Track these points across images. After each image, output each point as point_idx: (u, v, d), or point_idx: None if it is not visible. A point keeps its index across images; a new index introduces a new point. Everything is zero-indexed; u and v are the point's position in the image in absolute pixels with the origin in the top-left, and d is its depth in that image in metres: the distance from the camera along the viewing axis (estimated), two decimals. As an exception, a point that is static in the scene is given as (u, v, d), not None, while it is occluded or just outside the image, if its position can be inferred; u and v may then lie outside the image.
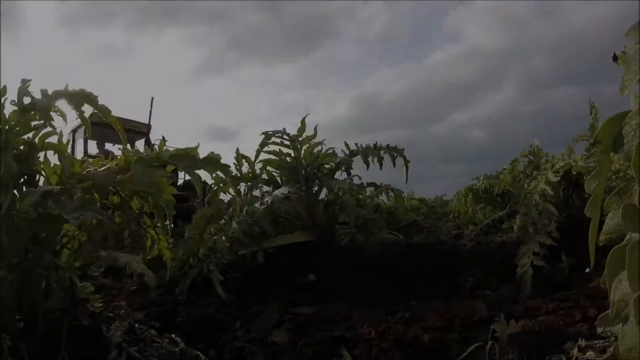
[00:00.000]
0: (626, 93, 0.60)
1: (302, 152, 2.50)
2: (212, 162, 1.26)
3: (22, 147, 1.12)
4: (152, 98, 7.24)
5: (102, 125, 7.05)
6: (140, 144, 7.94)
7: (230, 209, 2.24)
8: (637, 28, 0.61)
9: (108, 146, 7.62)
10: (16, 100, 1.07)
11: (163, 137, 7.78)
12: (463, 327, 1.39)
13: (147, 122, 8.07)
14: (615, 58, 0.67)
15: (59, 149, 1.19)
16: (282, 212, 2.06)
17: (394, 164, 2.70)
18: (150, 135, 8.12)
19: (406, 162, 2.67)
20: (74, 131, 7.48)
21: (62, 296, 1.01)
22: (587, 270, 1.66)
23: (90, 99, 1.16)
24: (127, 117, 7.82)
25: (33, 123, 1.11)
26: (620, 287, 0.58)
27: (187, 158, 1.22)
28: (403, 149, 2.67)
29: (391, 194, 2.74)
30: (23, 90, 1.07)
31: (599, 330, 1.13)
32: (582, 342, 1.07)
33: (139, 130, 7.94)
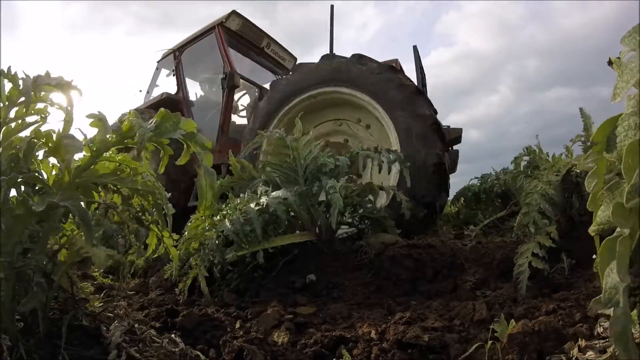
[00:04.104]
0: (618, 100, 0.65)
1: (301, 152, 2.50)
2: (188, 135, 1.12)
3: (19, 146, 1.11)
4: (332, 6, 5.11)
5: (245, 46, 5.58)
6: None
7: (228, 207, 2.24)
8: (632, 35, 0.63)
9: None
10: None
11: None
12: (463, 327, 1.39)
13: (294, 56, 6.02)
14: (610, 63, 0.71)
15: (57, 151, 1.17)
16: (281, 213, 2.06)
17: (390, 170, 2.71)
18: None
19: (405, 165, 2.68)
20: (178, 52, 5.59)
21: (41, 298, 1.00)
22: (594, 256, 1.67)
23: (70, 86, 1.11)
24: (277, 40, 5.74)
25: (28, 119, 1.10)
26: (612, 275, 0.65)
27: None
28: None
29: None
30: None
31: (599, 329, 1.14)
32: (582, 342, 1.07)
33: (281, 64, 5.92)
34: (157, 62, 6.04)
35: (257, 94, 5.60)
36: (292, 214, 2.21)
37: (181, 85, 5.42)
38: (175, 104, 5.24)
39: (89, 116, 1.10)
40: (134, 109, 5.34)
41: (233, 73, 4.87)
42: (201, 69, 5.76)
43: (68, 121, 1.12)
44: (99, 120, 1.11)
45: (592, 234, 0.75)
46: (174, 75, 5.55)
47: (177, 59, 5.57)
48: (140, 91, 6.09)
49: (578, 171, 2.03)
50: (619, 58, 0.66)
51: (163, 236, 1.41)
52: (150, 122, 1.15)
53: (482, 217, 3.99)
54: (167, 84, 5.87)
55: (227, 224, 2.03)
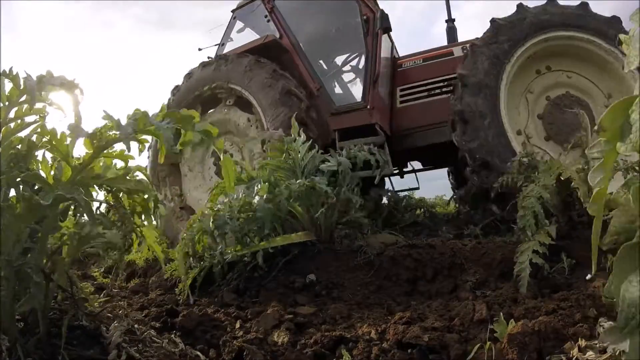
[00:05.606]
0: (632, 68, 0.57)
1: (300, 152, 2.50)
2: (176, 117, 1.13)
3: (19, 146, 1.11)
4: None
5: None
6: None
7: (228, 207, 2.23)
8: (638, 12, 0.60)
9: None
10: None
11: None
12: (463, 327, 1.39)
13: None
14: (619, 42, 0.66)
15: (56, 147, 1.17)
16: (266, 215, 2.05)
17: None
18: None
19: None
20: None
21: (41, 298, 1.00)
22: (588, 276, 1.65)
23: (74, 85, 1.12)
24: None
25: (27, 119, 1.10)
26: (630, 289, 0.48)
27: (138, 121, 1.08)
28: None
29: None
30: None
31: (599, 330, 1.13)
32: (582, 342, 1.07)
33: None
34: (233, 11, 5.37)
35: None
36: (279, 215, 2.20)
37: (284, 30, 4.69)
38: (281, 49, 4.60)
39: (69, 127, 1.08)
40: (218, 55, 4.84)
41: (386, 14, 4.27)
42: (309, 13, 5.07)
43: (77, 120, 1.12)
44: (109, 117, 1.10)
45: (604, 248, 0.59)
46: (268, 22, 4.89)
47: (270, 3, 4.87)
48: (200, 49, 5.48)
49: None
50: (628, 36, 0.63)
51: (144, 236, 1.39)
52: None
53: (483, 217, 3.97)
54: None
55: (210, 222, 2.01)
